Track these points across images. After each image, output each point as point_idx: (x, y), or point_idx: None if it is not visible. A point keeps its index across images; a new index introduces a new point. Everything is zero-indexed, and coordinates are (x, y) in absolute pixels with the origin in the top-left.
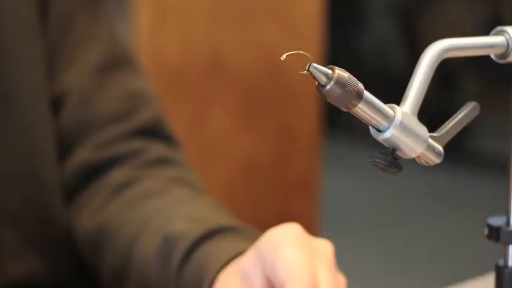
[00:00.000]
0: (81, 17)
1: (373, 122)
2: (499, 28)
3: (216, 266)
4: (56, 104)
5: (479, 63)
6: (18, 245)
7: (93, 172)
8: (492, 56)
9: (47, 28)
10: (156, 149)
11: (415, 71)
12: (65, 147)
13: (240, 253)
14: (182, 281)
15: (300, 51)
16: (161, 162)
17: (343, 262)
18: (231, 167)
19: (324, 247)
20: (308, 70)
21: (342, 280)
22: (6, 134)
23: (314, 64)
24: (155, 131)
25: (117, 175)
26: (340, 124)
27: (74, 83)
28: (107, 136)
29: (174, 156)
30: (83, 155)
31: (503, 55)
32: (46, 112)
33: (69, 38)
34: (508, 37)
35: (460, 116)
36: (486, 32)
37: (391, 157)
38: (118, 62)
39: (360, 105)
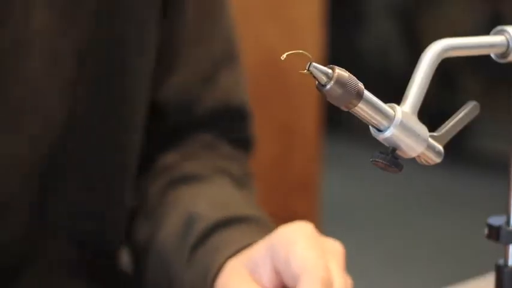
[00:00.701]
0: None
1: (373, 121)
2: (499, 28)
3: (225, 254)
4: (152, 112)
5: (480, 63)
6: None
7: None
8: (492, 56)
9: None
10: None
11: (415, 71)
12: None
13: (250, 244)
14: (193, 262)
15: (300, 51)
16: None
17: None
18: None
19: (336, 247)
20: (308, 70)
21: (349, 282)
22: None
23: (314, 64)
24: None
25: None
26: (340, 124)
27: (174, 94)
28: (192, 148)
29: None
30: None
31: (504, 54)
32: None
33: (178, 39)
34: (508, 36)
35: (460, 116)
36: (486, 32)
37: (391, 156)
38: (223, 65)
39: (360, 104)
